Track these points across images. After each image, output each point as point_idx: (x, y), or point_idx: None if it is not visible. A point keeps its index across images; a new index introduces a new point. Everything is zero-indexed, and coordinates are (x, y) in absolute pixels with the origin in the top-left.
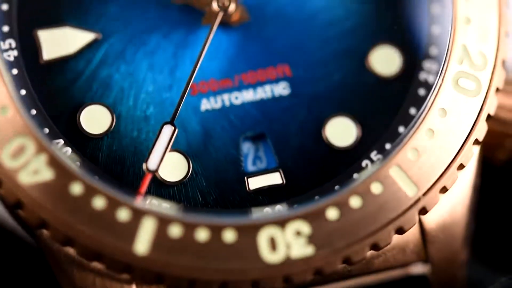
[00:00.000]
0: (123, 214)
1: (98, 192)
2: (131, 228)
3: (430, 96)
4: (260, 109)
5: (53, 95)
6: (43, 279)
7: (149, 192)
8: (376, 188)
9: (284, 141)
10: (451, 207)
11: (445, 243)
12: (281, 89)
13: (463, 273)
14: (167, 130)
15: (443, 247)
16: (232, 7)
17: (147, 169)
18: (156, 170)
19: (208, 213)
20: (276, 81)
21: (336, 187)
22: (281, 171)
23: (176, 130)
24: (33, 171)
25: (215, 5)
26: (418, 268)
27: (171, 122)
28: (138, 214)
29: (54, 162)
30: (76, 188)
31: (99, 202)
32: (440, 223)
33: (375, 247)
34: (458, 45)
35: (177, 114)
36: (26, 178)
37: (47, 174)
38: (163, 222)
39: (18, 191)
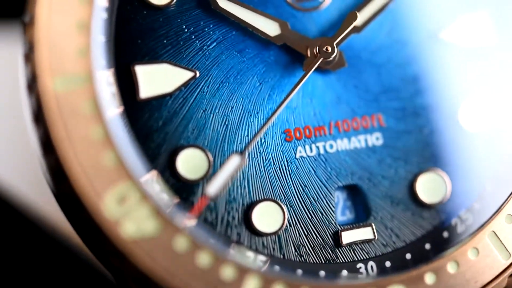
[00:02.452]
0: (227, 272)
1: (203, 247)
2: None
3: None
4: (353, 159)
5: (149, 135)
6: None
7: (243, 242)
8: (472, 253)
9: (375, 194)
10: None
11: None
12: (375, 139)
13: None
14: (234, 160)
15: None
16: (334, 53)
17: (205, 194)
18: (214, 198)
19: (309, 274)
20: (370, 130)
21: (427, 245)
22: (373, 225)
23: (245, 163)
24: (135, 221)
25: (316, 50)
26: None
27: (241, 153)
28: (242, 273)
29: (157, 212)
30: (180, 243)
31: (203, 259)
32: None
33: None
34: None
35: (250, 147)
36: (128, 228)
37: (150, 226)
38: (267, 281)
39: (118, 241)
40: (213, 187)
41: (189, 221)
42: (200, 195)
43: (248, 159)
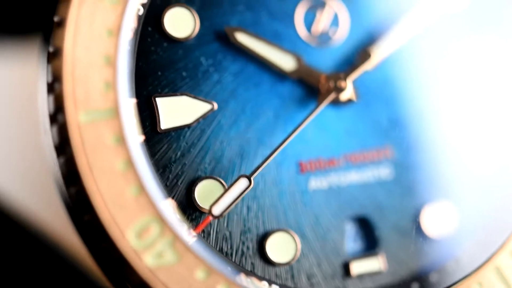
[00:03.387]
0: None
1: (219, 276)
2: None
3: None
4: (364, 191)
5: (167, 166)
6: None
7: (256, 272)
8: None
9: (384, 225)
10: None
11: None
12: (384, 172)
13: None
14: (242, 183)
15: None
16: (348, 89)
17: (211, 213)
18: (218, 217)
19: None
20: (380, 163)
21: (433, 277)
22: (381, 257)
23: (251, 186)
24: (156, 251)
25: (331, 84)
26: None
27: (249, 177)
28: None
29: (179, 245)
30: (201, 274)
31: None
32: None
33: None
34: None
35: (257, 172)
36: (149, 258)
37: (172, 258)
38: None
39: (139, 271)
40: (218, 207)
41: (191, 238)
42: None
43: (262, 190)
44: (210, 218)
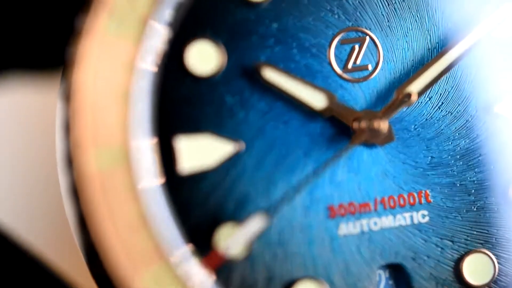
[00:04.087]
0: None
1: None
2: None
3: None
4: (398, 237)
5: (188, 210)
6: None
7: None
8: None
9: (420, 274)
10: None
11: None
12: (421, 217)
13: None
14: (257, 221)
15: None
16: (384, 129)
17: (222, 249)
18: (227, 253)
19: None
20: (416, 207)
21: None
22: None
23: (267, 224)
24: None
25: (365, 124)
26: None
27: (268, 215)
28: None
29: None
30: None
31: None
32: None
33: None
34: None
35: (278, 211)
36: None
37: None
38: None
39: None
40: (230, 244)
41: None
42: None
43: (289, 236)
44: (221, 255)
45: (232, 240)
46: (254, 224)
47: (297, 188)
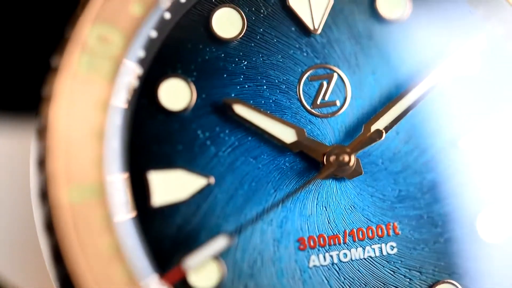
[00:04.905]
0: None
1: None
2: None
3: None
4: (367, 268)
5: (161, 243)
6: None
7: None
8: None
9: None
10: None
11: None
12: (389, 248)
13: None
14: (221, 241)
15: None
16: (352, 162)
17: (182, 264)
18: (188, 271)
19: None
20: (385, 239)
21: None
22: None
23: (230, 245)
24: None
25: (333, 158)
26: None
27: (232, 236)
28: None
29: None
30: None
31: None
32: None
33: None
34: None
35: (242, 231)
36: None
37: None
38: None
39: None
40: (192, 261)
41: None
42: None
43: (260, 268)
44: (181, 270)
45: (193, 258)
46: (216, 244)
47: (260, 214)
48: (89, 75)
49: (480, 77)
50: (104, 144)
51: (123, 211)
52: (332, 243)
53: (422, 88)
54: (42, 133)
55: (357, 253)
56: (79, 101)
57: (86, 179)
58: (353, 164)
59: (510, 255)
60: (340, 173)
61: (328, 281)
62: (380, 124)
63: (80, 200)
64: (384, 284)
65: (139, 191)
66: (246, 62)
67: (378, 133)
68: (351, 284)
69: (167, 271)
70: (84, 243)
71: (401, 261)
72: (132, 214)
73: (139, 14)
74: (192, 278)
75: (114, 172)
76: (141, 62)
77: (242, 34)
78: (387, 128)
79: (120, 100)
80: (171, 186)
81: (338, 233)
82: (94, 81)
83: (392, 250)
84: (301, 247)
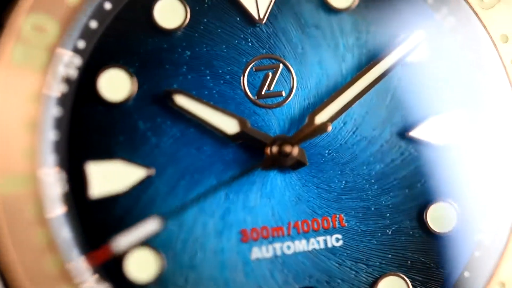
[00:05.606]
0: None
1: None
2: None
3: (488, 265)
4: (312, 261)
5: (100, 234)
6: None
7: None
8: None
9: None
10: None
11: None
12: (334, 240)
13: None
14: (152, 224)
15: None
16: (294, 153)
17: (111, 244)
18: (117, 252)
19: None
20: (330, 231)
21: None
22: None
23: (160, 230)
24: None
25: (275, 149)
26: None
27: (163, 218)
28: None
29: None
30: None
31: None
32: None
33: None
34: None
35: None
36: None
37: None
38: None
39: None
40: (122, 241)
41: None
42: (106, 243)
43: (202, 260)
44: (109, 250)
45: (122, 238)
46: (146, 226)
47: (202, 206)
48: (23, 65)
49: (428, 67)
50: (38, 135)
51: (58, 203)
52: (275, 235)
53: (369, 78)
54: None
55: (301, 245)
56: (12, 91)
57: (18, 170)
58: (296, 154)
59: (458, 247)
60: (283, 164)
61: (271, 274)
62: (325, 114)
63: (12, 191)
64: (329, 276)
65: (77, 182)
66: (189, 53)
67: (324, 126)
68: (295, 276)
69: (94, 250)
70: (15, 235)
71: (347, 253)
72: (69, 206)
73: (76, 4)
74: (130, 270)
75: (50, 164)
76: (81, 52)
77: (185, 24)
78: (332, 118)
79: (57, 91)
80: (110, 177)
81: (282, 225)
82: (28, 71)
83: (338, 242)
84: (244, 239)
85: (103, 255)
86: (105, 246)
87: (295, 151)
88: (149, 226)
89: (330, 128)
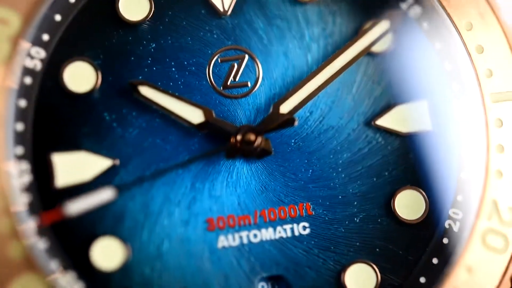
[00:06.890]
0: None
1: None
2: None
3: (456, 251)
4: (279, 249)
5: (65, 224)
6: None
7: None
8: None
9: (301, 285)
10: None
11: None
12: (301, 228)
13: None
14: (107, 194)
15: None
16: (257, 142)
17: (63, 206)
18: (71, 216)
19: None
20: (297, 220)
21: None
22: None
23: (115, 198)
24: None
25: (239, 138)
26: None
27: (118, 189)
28: None
29: None
30: None
31: None
32: None
33: None
34: (488, 200)
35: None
36: None
37: None
38: None
39: None
40: (75, 206)
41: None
42: (59, 205)
43: (168, 249)
44: (62, 213)
45: (75, 203)
46: (102, 195)
47: (167, 195)
48: None
49: (393, 57)
50: (1, 128)
51: (22, 195)
52: (242, 223)
53: (334, 68)
54: None
55: (268, 233)
56: None
57: None
58: (259, 143)
59: (425, 234)
60: (247, 153)
61: (238, 262)
62: (289, 103)
63: None
64: (296, 264)
65: (43, 174)
66: (154, 45)
67: (291, 120)
68: (262, 265)
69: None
70: None
71: (314, 241)
72: (33, 196)
73: None
74: (97, 259)
75: (14, 156)
76: (45, 45)
77: (150, 17)
78: (297, 108)
79: (20, 83)
80: (75, 167)
81: (248, 214)
82: None
83: (305, 230)
84: (210, 227)
85: (53, 216)
86: (56, 208)
87: (259, 139)
88: (104, 195)
89: (296, 123)
